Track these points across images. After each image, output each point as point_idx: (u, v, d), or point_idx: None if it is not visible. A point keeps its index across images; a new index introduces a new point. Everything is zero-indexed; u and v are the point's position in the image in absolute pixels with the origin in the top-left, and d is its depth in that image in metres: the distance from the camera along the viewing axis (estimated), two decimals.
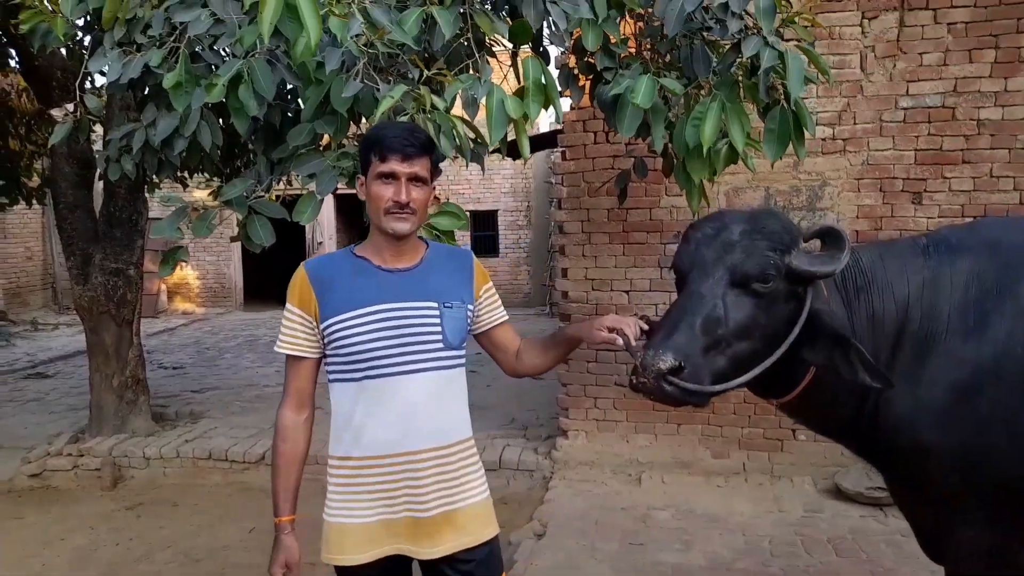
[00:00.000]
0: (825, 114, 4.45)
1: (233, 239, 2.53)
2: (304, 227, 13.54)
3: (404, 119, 2.07)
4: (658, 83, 2.34)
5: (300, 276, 1.82)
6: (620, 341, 1.79)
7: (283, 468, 1.84)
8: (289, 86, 2.80)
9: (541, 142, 7.68)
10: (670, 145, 3.35)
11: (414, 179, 1.74)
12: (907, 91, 4.40)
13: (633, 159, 3.64)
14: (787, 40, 2.70)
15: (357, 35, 2.02)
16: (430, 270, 1.85)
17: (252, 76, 2.22)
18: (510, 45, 2.56)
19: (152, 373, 7.80)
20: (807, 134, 2.66)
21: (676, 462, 4.66)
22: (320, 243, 13.75)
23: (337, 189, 2.43)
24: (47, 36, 2.94)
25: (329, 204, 13.32)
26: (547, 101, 2.21)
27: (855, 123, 4.46)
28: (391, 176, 1.73)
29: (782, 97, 2.57)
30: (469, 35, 2.15)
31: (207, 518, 4.45)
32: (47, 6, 3.05)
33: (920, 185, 4.38)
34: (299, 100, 3.02)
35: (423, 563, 1.85)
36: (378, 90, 2.19)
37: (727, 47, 2.65)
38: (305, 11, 1.83)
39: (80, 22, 3.72)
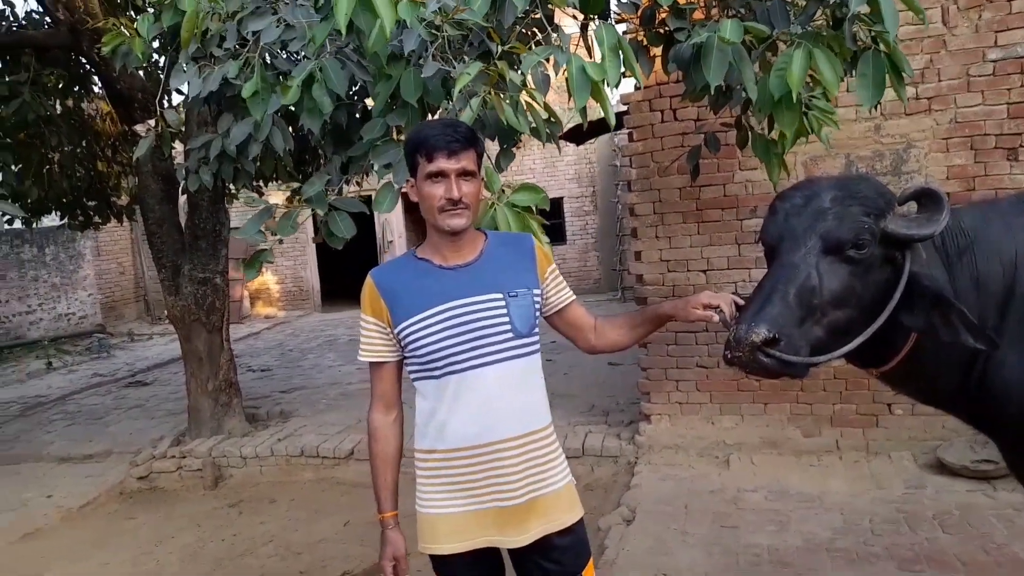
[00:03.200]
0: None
1: (315, 239, 2.60)
2: (375, 228, 13.84)
3: (476, 101, 2.07)
4: (743, 25, 2.24)
5: (369, 286, 1.87)
6: (716, 317, 1.77)
7: (380, 467, 1.90)
8: (353, 89, 2.86)
9: (603, 126, 7.59)
10: (743, 117, 3.27)
11: (463, 174, 1.75)
12: (995, 42, 4.13)
13: (704, 135, 3.55)
14: None
15: (425, 20, 2.04)
16: (491, 261, 1.85)
17: (324, 75, 2.27)
18: (577, 21, 2.52)
19: (242, 376, 8.12)
20: (906, 76, 2.51)
21: (764, 442, 4.54)
22: (391, 242, 14.01)
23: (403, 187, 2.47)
24: (127, 57, 3.08)
25: (398, 203, 13.53)
26: (626, 68, 2.16)
27: (940, 80, 4.23)
28: (440, 175, 1.74)
29: (871, 43, 2.44)
30: (539, 10, 2.13)
31: (303, 513, 4.61)
32: (125, 30, 3.21)
33: (1015, 140, 4.12)
34: (365, 101, 3.08)
35: (512, 553, 1.87)
36: (450, 76, 2.20)
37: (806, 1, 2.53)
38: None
39: (155, 43, 3.90)
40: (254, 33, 2.56)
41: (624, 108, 4.97)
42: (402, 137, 2.48)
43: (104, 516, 4.88)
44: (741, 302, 1.80)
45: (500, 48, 2.21)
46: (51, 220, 8.70)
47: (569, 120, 5.24)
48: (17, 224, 7.47)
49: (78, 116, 7.27)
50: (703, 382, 4.71)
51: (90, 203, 7.90)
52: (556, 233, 13.48)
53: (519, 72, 2.16)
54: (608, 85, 2.05)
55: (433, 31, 2.17)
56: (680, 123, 4.68)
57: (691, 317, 1.85)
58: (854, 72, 2.50)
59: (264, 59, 2.59)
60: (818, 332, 1.72)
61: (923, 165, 4.29)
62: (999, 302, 1.82)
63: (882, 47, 2.47)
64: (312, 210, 2.61)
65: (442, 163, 1.73)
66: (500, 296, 1.81)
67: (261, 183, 6.18)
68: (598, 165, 13.35)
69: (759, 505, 3.87)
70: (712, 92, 2.70)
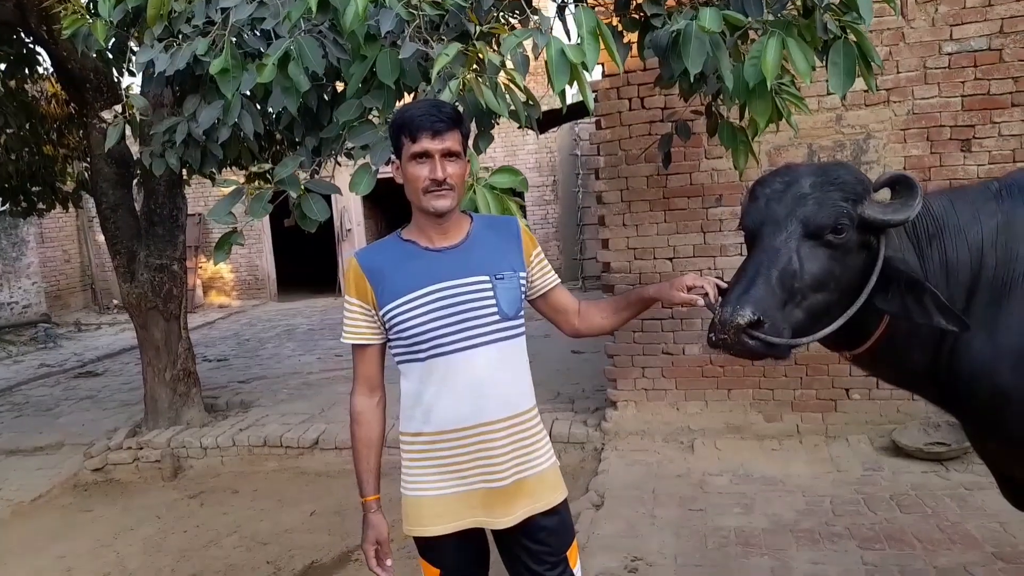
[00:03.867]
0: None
1: (288, 222, 2.54)
2: (333, 216, 13.63)
3: (455, 83, 2.05)
4: (721, 14, 2.27)
5: (353, 267, 1.84)
6: (700, 301, 1.79)
7: (362, 451, 1.88)
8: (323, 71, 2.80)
9: (566, 114, 7.60)
10: (713, 104, 3.31)
11: (447, 154, 1.74)
12: (951, 35, 4.26)
13: (674, 123, 3.59)
14: None
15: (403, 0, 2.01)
16: (477, 243, 1.85)
17: (300, 53, 2.22)
18: (554, 3, 2.50)
19: (198, 366, 7.95)
20: (874, 66, 2.57)
21: (728, 427, 4.64)
22: (348, 230, 13.83)
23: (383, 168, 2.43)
24: (88, 39, 2.96)
25: (373, 186, 13.34)
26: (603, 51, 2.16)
27: (898, 72, 4.34)
28: (425, 155, 1.73)
29: (841, 33, 2.49)
30: None
31: (268, 503, 4.54)
32: (81, 10, 3.08)
33: (968, 132, 4.27)
34: (335, 84, 3.02)
35: (497, 535, 1.88)
36: (425, 59, 2.17)
37: None
38: None
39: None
40: (223, 11, 2.48)
41: (592, 95, 4.98)
42: (375, 117, 2.44)
43: (58, 509, 4.73)
44: (724, 285, 1.83)
45: (479, 29, 2.18)
46: None
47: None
48: None
49: (22, 97, 6.97)
50: (669, 369, 4.78)
51: (34, 188, 7.58)
52: None
53: (498, 54, 2.14)
54: (587, 69, 2.05)
55: (411, 10, 2.14)
56: (648, 111, 4.71)
57: (675, 300, 1.86)
58: (824, 61, 2.55)
59: (233, 37, 2.52)
60: (799, 315, 1.75)
61: (881, 155, 4.40)
62: (967, 286, 1.88)
63: (852, 36, 2.53)
64: (279, 195, 2.56)
65: (426, 143, 1.72)
66: (487, 278, 1.80)
67: (225, 167, 6.02)
68: (559, 154, 13.38)
69: (725, 488, 3.95)
70: (688, 79, 2.73)
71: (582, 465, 4.65)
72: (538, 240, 2.02)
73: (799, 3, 2.65)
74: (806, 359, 4.44)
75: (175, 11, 2.74)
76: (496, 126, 2.58)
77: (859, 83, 4.30)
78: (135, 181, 5.77)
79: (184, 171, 5.39)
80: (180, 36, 2.62)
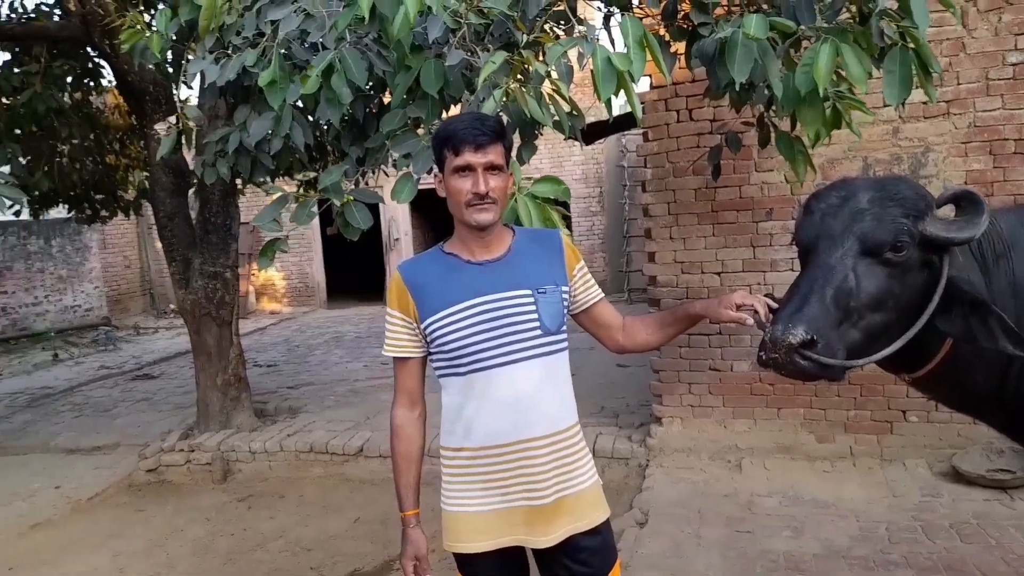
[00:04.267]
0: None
1: (331, 230, 2.58)
2: (381, 225, 13.82)
3: (499, 93, 2.05)
4: (768, 20, 2.21)
5: (396, 280, 1.84)
6: (750, 320, 1.74)
7: (402, 465, 1.88)
8: (370, 84, 2.84)
9: (610, 126, 7.57)
10: (766, 114, 3.24)
11: (490, 168, 1.73)
12: (1015, 45, 4.11)
13: (724, 134, 3.52)
14: None
15: (449, 8, 2.01)
16: (519, 257, 1.83)
17: (344, 65, 2.25)
18: (600, 13, 2.48)
19: (249, 371, 8.09)
20: (934, 74, 2.47)
21: (778, 447, 4.51)
22: (396, 239, 13.99)
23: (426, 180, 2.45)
24: (144, 53, 3.06)
25: (414, 195, 13.49)
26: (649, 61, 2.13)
27: (958, 83, 4.19)
28: (467, 168, 1.72)
29: (899, 39, 2.40)
30: (563, 2, 2.10)
31: (313, 509, 4.59)
32: (143, 23, 3.19)
33: None
34: (381, 96, 3.06)
35: (538, 554, 1.85)
36: (468, 69, 2.17)
37: None
38: None
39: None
40: (273, 22, 2.53)
41: (640, 106, 4.94)
42: (421, 129, 2.46)
43: (113, 508, 4.87)
44: (775, 304, 1.77)
45: (526, 38, 2.17)
46: (58, 212, 8.69)
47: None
48: (24, 215, 7.44)
49: (87, 109, 7.26)
50: (716, 385, 4.69)
51: (98, 196, 7.89)
52: None
53: (544, 63, 2.12)
54: (633, 79, 2.02)
55: (457, 19, 2.14)
56: (696, 123, 4.65)
57: (722, 318, 1.81)
58: (879, 69, 2.46)
59: (283, 49, 2.57)
60: (855, 335, 1.69)
61: (941, 169, 4.25)
62: None
63: (910, 44, 2.43)
64: (325, 202, 2.59)
65: (469, 157, 1.71)
66: (529, 292, 1.79)
67: (267, 178, 6.15)
68: (606, 165, 13.32)
69: (774, 510, 3.84)
70: (736, 88, 2.67)
71: (626, 481, 4.59)
72: (583, 252, 2.00)
73: (854, 10, 2.58)
74: (860, 379, 4.30)
75: (226, 23, 2.81)
76: (540, 136, 2.57)
77: (917, 94, 4.20)
78: (191, 190, 5.94)
79: (239, 181, 5.53)
80: (231, 48, 2.69)
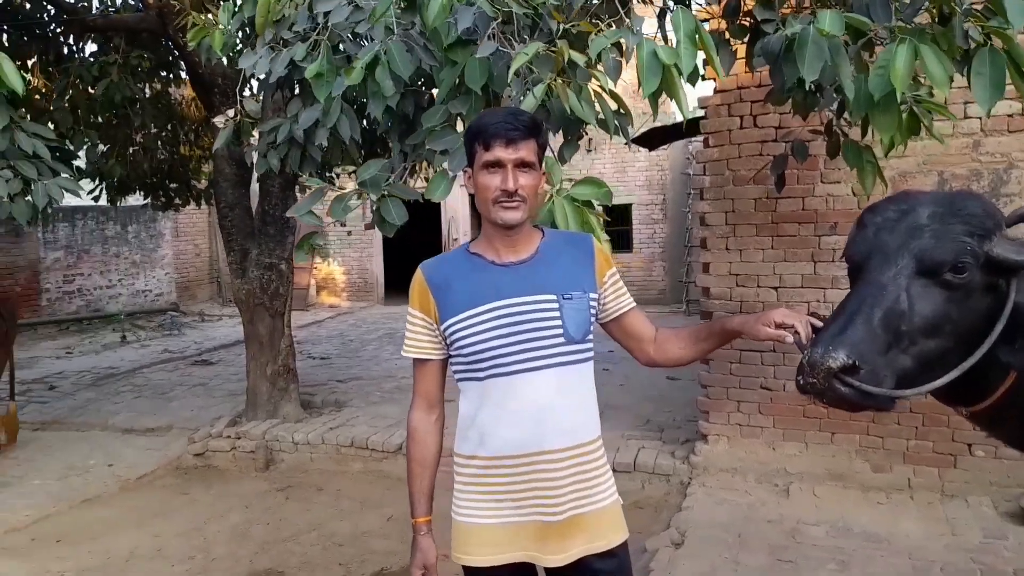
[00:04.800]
0: (1010, 85, 3.92)
1: (367, 225, 2.55)
2: (441, 224, 13.92)
3: (540, 88, 1.96)
4: (843, 17, 2.05)
5: (418, 279, 1.80)
6: (790, 338, 1.61)
7: (416, 471, 1.83)
8: (421, 80, 2.81)
9: (676, 131, 7.40)
10: (833, 122, 3.06)
11: (520, 164, 1.66)
12: None
13: (789, 143, 3.35)
14: None
15: None
16: (547, 260, 1.76)
17: (389, 57, 2.21)
18: (654, 7, 2.37)
19: (302, 363, 8.25)
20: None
21: (829, 474, 4.29)
22: (455, 239, 14.06)
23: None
24: (209, 49, 3.12)
25: (464, 201, 13.57)
26: (701, 60, 2.01)
27: None
28: (497, 164, 1.66)
29: (984, 40, 2.20)
30: None
31: (349, 504, 4.60)
32: (209, 20, 3.25)
33: None
34: (432, 92, 3.02)
35: (549, 573, 1.77)
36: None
37: None
38: None
39: (240, 33, 3.95)
40: (325, 15, 2.53)
41: (701, 112, 4.79)
42: (460, 126, 2.41)
43: (160, 489, 5.00)
44: (819, 323, 1.64)
45: (561, 27, 2.08)
46: (135, 200, 9.05)
47: (643, 123, 5.08)
48: (102, 201, 7.78)
49: (165, 100, 7.53)
50: (766, 405, 4.49)
51: (172, 185, 8.19)
52: (623, 240, 13.25)
53: (585, 54, 2.02)
54: (682, 74, 1.90)
55: (496, 7, 2.07)
56: (760, 130, 4.47)
57: (760, 335, 1.68)
58: (964, 74, 2.27)
59: (334, 43, 2.56)
60: (906, 362, 1.55)
61: None
62: None
63: (999, 43, 2.23)
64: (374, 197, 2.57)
65: (499, 152, 1.65)
66: (553, 298, 1.71)
67: (329, 171, 6.24)
68: (670, 172, 13.07)
69: (820, 540, 3.64)
70: (806, 89, 2.51)
71: (666, 499, 4.44)
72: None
73: (934, 11, 2.39)
74: (922, 407, 4.04)
75: (285, 16, 2.83)
76: (585, 136, 2.47)
77: (1001, 106, 3.93)
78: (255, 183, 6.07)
79: (298, 172, 5.63)
80: (282, 42, 2.70)
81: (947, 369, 1.57)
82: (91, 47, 7.08)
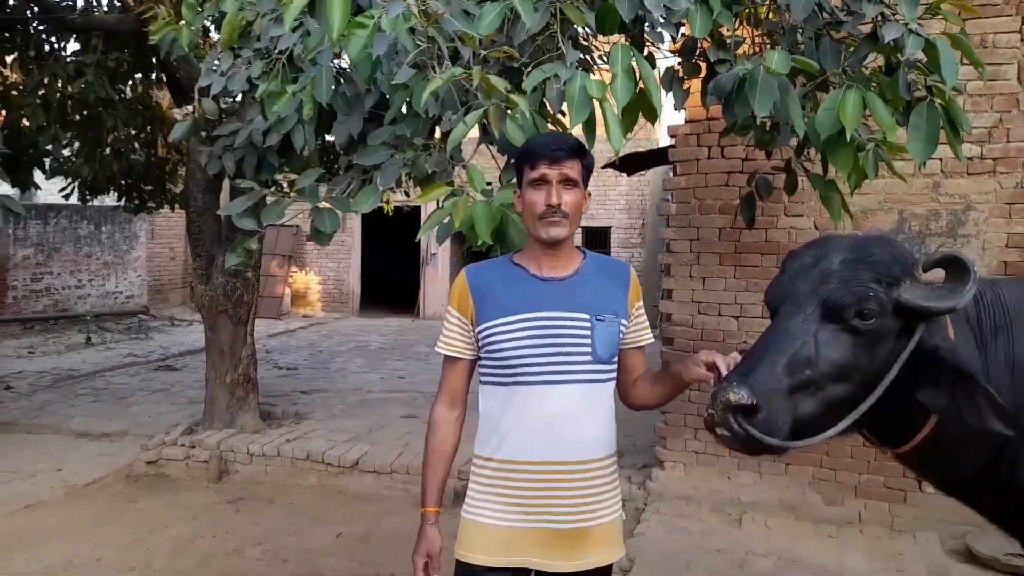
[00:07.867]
0: (973, 130, 3.99)
1: (308, 237, 2.56)
2: (419, 240, 13.88)
3: (474, 115, 2.00)
4: (791, 57, 2.11)
5: (460, 281, 1.89)
6: (713, 379, 1.62)
7: (433, 461, 1.89)
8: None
9: (657, 158, 7.47)
10: (792, 160, 3.10)
11: (564, 180, 1.76)
12: None
13: (753, 176, 3.37)
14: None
15: (411, 27, 1.97)
16: (585, 281, 1.85)
17: (315, 83, 2.28)
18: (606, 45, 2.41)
19: (268, 372, 8.19)
20: (963, 132, 2.33)
21: (782, 505, 4.29)
22: (433, 254, 14.07)
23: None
24: (173, 45, 3.12)
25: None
26: (644, 93, 2.05)
27: (1008, 141, 3.99)
28: (542, 181, 1.76)
29: (926, 93, 2.28)
30: (558, 29, 2.04)
31: (299, 519, 4.53)
32: (173, 17, 3.24)
33: None
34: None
35: None
36: (465, 91, 2.11)
37: (859, 41, 2.39)
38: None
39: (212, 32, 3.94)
40: (272, 39, 2.55)
41: (671, 141, 4.84)
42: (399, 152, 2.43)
43: (107, 496, 4.89)
44: None
45: (482, 54, 2.12)
46: (111, 200, 8.95)
47: (624, 147, 5.11)
48: (73, 199, 7.68)
49: (144, 102, 7.47)
50: None
51: (147, 187, 8.10)
52: None
53: (525, 88, 2.06)
54: (617, 108, 1.94)
55: (419, 40, 2.10)
56: (727, 161, 4.51)
57: (692, 376, 1.73)
58: (904, 125, 2.33)
59: (287, 63, 2.58)
60: (810, 406, 1.56)
61: (981, 230, 4.03)
62: None
63: (937, 99, 2.30)
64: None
65: (544, 169, 1.75)
66: (587, 317, 1.80)
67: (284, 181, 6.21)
68: (650, 197, 13.18)
69: (767, 571, 3.64)
70: (758, 124, 2.57)
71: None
72: None
73: (881, 61, 2.45)
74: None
75: (251, 31, 2.83)
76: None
77: (965, 149, 4.00)
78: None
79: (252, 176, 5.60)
80: (238, 59, 2.72)
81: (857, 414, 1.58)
82: (73, 46, 7.03)
